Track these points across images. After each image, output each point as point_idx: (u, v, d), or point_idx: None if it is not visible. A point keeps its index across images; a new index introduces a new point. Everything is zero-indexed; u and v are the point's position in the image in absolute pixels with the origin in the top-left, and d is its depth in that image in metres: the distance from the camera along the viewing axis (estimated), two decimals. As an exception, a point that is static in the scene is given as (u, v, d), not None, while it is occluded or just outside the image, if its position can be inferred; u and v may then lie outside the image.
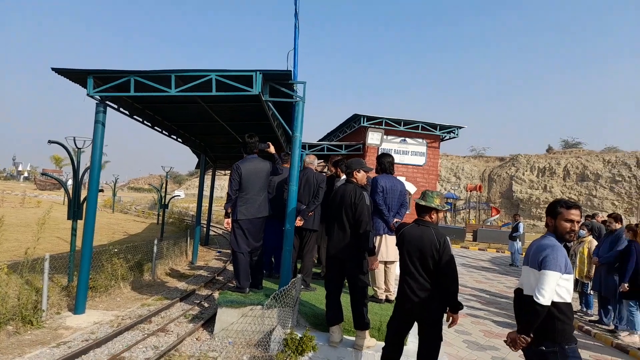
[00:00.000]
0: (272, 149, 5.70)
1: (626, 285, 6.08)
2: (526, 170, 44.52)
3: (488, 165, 49.99)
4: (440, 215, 3.59)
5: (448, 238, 3.52)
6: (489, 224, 29.16)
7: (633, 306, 6.21)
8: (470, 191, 33.51)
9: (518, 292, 3.02)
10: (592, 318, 7.29)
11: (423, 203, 3.49)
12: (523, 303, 2.86)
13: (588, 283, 7.52)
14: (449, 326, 3.48)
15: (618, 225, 6.88)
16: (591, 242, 7.77)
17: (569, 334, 2.74)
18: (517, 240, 14.23)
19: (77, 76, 5.33)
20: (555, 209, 2.92)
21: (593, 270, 7.22)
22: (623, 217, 31.34)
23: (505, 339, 2.96)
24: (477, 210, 34.16)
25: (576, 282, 8.69)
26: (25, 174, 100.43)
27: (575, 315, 7.36)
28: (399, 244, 3.57)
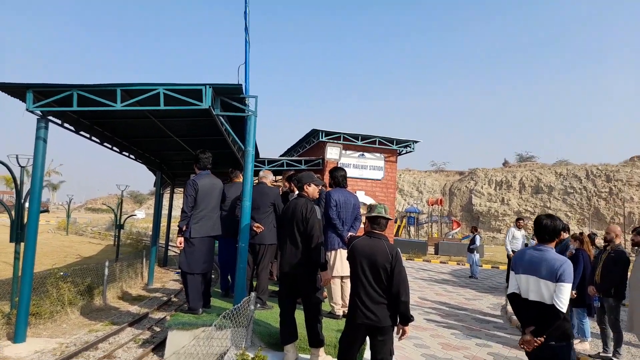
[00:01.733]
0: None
1: (574, 292, 6.26)
2: (485, 184, 45.89)
3: (449, 179, 51.23)
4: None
5: (399, 250, 3.52)
6: (450, 237, 29.73)
7: (582, 314, 6.40)
8: (432, 205, 34.16)
9: (514, 296, 3.34)
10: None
11: (375, 214, 3.52)
12: (523, 306, 3.26)
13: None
14: (399, 338, 3.47)
15: (565, 235, 7.13)
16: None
17: (571, 332, 3.26)
18: (475, 252, 14.54)
19: (15, 90, 5.07)
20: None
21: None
22: (575, 227, 32.20)
23: (520, 342, 3.23)
24: (439, 223, 34.84)
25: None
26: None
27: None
28: (350, 257, 3.56)
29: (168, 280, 11.60)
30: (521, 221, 11.66)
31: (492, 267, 18.69)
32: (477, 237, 14.73)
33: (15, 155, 7.34)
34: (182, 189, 18.79)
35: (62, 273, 7.51)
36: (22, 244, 6.39)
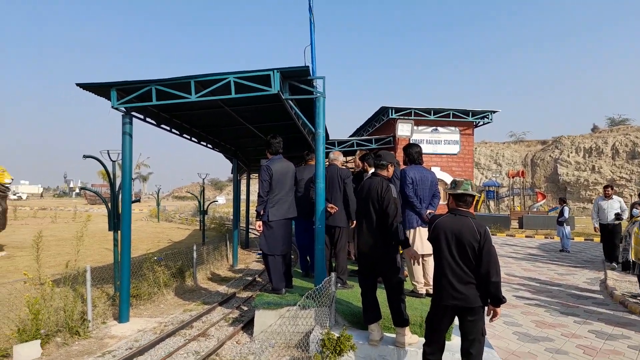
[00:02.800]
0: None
1: None
2: (571, 152, 42.52)
3: (530, 150, 48.11)
4: (479, 205, 3.49)
5: (488, 228, 3.33)
6: (534, 210, 27.97)
7: None
8: (513, 177, 32.27)
9: None
10: (655, 302, 6.77)
11: (461, 191, 3.37)
12: None
13: (646, 265, 6.99)
14: (491, 320, 3.32)
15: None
16: (647, 222, 7.25)
17: None
18: (565, 224, 13.56)
19: (100, 90, 5.44)
20: None
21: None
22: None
23: None
24: (522, 196, 32.88)
25: (633, 264, 8.13)
26: (77, 190, 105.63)
27: (634, 301, 6.87)
28: (433, 236, 3.42)
29: (251, 261, 12.10)
30: (609, 189, 10.11)
31: (585, 239, 17.34)
32: (566, 208, 13.72)
33: (106, 151, 7.96)
34: (257, 174, 19.45)
35: (156, 258, 8.08)
36: (119, 232, 6.96)
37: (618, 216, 9.73)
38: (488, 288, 3.18)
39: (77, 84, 5.28)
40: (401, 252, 4.16)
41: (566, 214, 13.65)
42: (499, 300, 3.18)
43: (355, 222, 5.39)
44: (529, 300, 7.15)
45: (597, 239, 15.40)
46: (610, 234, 9.97)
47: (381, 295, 4.33)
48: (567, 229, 13.83)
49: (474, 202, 10.90)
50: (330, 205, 5.56)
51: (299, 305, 4.41)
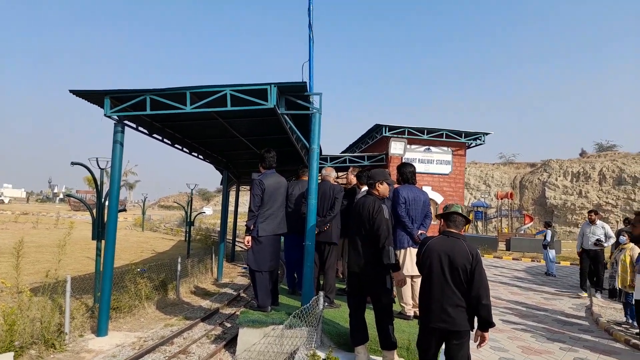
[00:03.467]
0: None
1: None
2: (559, 176, 43.06)
3: (519, 172, 48.64)
4: (466, 227, 3.47)
5: (479, 251, 3.32)
6: (522, 232, 28.15)
7: None
8: (501, 199, 32.54)
9: None
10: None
11: (451, 210, 3.40)
12: None
13: (632, 293, 7.00)
14: (478, 346, 3.29)
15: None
16: (633, 249, 7.29)
17: None
18: (549, 248, 13.61)
19: (93, 97, 5.36)
20: None
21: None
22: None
23: None
24: (510, 218, 33.11)
25: (619, 292, 8.14)
26: (61, 196, 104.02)
27: (619, 328, 6.86)
28: (423, 258, 3.38)
29: (236, 275, 11.92)
30: (592, 214, 9.94)
31: (571, 264, 17.43)
32: (548, 232, 13.75)
33: (95, 159, 7.83)
34: (247, 187, 19.28)
35: (139, 269, 7.90)
36: (103, 242, 6.80)
37: (598, 242, 9.60)
38: (478, 311, 3.15)
39: (71, 91, 5.19)
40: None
41: (548, 238, 13.74)
42: (488, 324, 3.16)
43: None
44: (516, 325, 7.10)
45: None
46: (592, 260, 9.91)
47: (369, 316, 4.25)
48: (552, 252, 13.85)
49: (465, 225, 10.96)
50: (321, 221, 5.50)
51: (286, 325, 4.30)
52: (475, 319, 3.28)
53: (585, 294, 9.69)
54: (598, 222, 9.91)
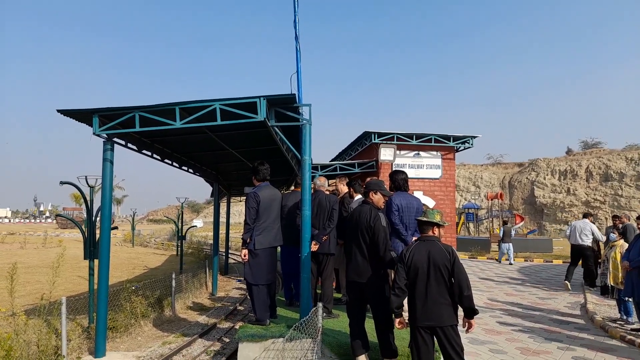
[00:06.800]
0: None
1: None
2: (547, 175, 43.57)
3: (507, 172, 49.14)
4: (442, 231, 3.75)
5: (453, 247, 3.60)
6: (513, 232, 28.37)
7: None
8: (492, 199, 32.80)
9: None
10: (634, 326, 6.85)
11: (425, 219, 3.65)
12: None
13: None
14: (467, 331, 3.55)
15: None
16: (623, 246, 7.39)
17: None
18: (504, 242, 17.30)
19: (82, 116, 5.32)
20: None
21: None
22: (654, 215, 29.60)
23: None
24: (500, 218, 33.37)
25: (612, 289, 8.24)
26: (47, 214, 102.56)
27: (615, 324, 6.94)
28: (407, 264, 3.55)
29: (231, 288, 11.83)
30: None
31: (563, 262, 17.59)
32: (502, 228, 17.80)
33: (84, 177, 7.76)
34: (237, 198, 19.21)
35: (134, 287, 7.80)
36: (96, 261, 6.71)
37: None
38: (462, 302, 3.39)
39: (58, 110, 5.15)
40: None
41: (501, 233, 17.66)
42: (472, 312, 3.41)
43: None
44: (513, 327, 7.14)
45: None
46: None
47: (369, 325, 4.25)
48: (508, 246, 17.39)
49: (452, 224, 11.10)
50: (313, 242, 5.47)
51: (287, 338, 4.28)
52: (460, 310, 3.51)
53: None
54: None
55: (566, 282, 10.42)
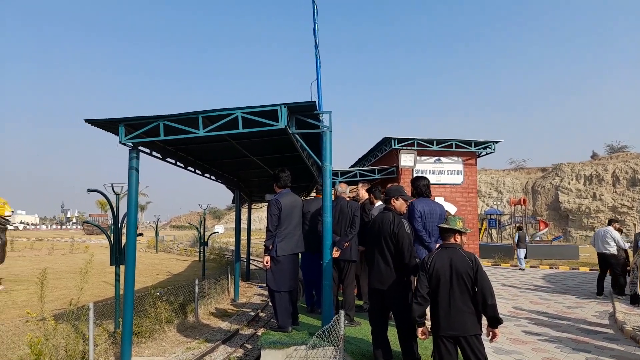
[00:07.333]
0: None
1: None
2: (572, 179, 42.62)
3: (530, 177, 48.24)
4: (465, 238, 3.68)
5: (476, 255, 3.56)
6: (537, 238, 27.79)
7: None
8: (514, 205, 32.21)
9: None
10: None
11: (446, 226, 3.59)
12: None
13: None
14: (491, 341, 3.48)
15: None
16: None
17: None
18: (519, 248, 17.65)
19: (108, 125, 5.46)
20: None
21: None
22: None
23: None
24: (524, 224, 32.74)
25: (643, 297, 8.00)
26: (73, 220, 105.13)
27: (647, 335, 6.72)
28: (429, 272, 3.51)
29: (252, 294, 11.90)
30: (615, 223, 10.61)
31: (590, 269, 17.13)
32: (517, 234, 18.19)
33: (110, 184, 7.96)
34: (258, 204, 19.34)
35: (158, 293, 7.93)
36: (122, 267, 6.85)
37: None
38: (486, 311, 3.32)
39: (86, 120, 5.29)
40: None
41: (516, 238, 18.06)
42: (497, 321, 3.33)
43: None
44: (539, 336, 6.98)
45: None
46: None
47: (391, 333, 4.22)
48: (522, 252, 17.69)
49: (474, 231, 11.00)
50: (335, 249, 5.48)
51: (310, 346, 4.29)
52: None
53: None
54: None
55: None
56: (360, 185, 6.90)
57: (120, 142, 5.42)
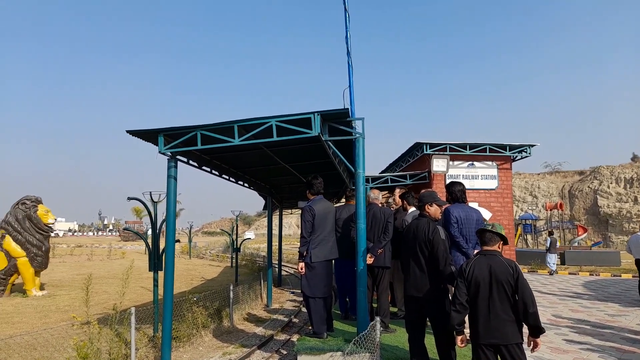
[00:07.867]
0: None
1: None
2: (611, 183, 41.01)
3: (567, 181, 46.72)
4: (511, 238, 3.53)
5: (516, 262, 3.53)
6: (576, 244, 26.83)
7: None
8: (550, 210, 31.28)
9: None
10: None
11: (492, 230, 3.50)
12: None
13: None
14: (532, 351, 3.39)
15: None
16: None
17: None
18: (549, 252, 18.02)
19: (148, 136, 5.65)
20: None
21: None
22: None
23: None
24: (561, 230, 31.68)
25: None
26: (110, 227, 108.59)
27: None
28: (468, 279, 3.45)
29: (285, 300, 11.98)
30: None
31: (633, 276, 16.41)
32: (548, 239, 18.57)
33: (149, 192, 8.21)
34: (289, 211, 19.49)
35: (195, 298, 8.11)
36: (160, 273, 7.05)
37: None
38: (527, 320, 3.25)
39: (127, 131, 5.50)
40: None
41: (547, 244, 18.41)
42: (538, 330, 3.25)
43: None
44: (581, 345, 6.74)
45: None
46: None
47: (428, 341, 4.18)
48: (553, 257, 18.03)
49: (510, 237, 10.76)
50: (369, 255, 5.47)
51: (347, 353, 4.30)
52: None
53: None
54: None
55: None
56: (397, 190, 6.88)
57: (159, 152, 5.60)
